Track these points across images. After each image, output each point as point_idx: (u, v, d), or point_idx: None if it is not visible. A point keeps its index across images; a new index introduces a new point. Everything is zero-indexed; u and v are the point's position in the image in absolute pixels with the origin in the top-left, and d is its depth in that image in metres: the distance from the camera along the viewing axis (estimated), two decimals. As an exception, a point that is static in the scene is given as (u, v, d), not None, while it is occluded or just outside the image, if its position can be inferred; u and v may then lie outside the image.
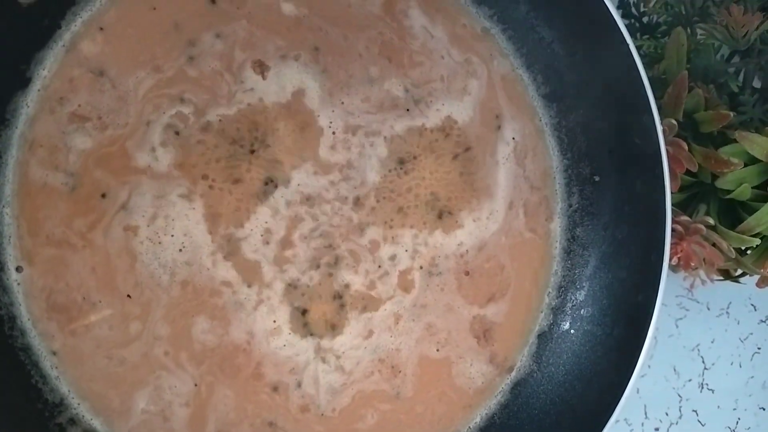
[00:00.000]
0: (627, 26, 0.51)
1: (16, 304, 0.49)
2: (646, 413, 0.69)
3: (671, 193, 0.50)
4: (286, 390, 0.52)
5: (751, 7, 0.57)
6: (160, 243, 0.50)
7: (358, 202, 0.53)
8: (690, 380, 0.70)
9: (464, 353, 0.55)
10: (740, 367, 0.71)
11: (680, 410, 0.70)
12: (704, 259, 0.55)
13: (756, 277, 0.59)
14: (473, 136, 0.55)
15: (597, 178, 0.56)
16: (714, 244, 0.55)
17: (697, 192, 0.59)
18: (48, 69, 0.49)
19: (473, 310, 0.55)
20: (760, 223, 0.55)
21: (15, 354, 0.48)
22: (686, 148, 0.54)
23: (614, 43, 0.50)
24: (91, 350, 0.49)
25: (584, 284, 0.56)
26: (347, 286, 0.53)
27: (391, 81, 0.53)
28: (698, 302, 0.70)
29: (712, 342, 0.70)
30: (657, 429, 0.69)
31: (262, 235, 0.51)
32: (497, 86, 0.55)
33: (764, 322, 0.71)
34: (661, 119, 0.51)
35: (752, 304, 0.71)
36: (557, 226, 0.57)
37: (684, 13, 0.61)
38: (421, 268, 0.54)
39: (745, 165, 0.54)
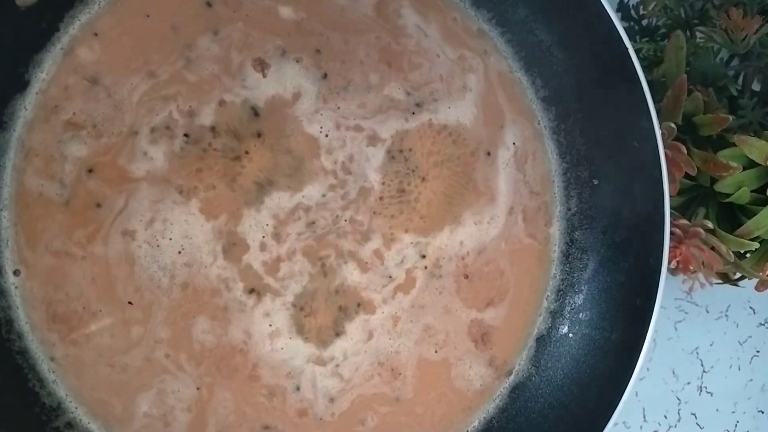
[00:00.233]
0: (626, 29, 0.51)
1: (13, 307, 0.48)
2: (644, 416, 0.69)
3: (670, 196, 0.50)
4: (284, 393, 0.52)
5: (751, 10, 0.58)
6: (158, 246, 0.50)
7: (357, 204, 0.53)
8: (689, 383, 0.70)
9: (463, 355, 0.55)
10: (739, 370, 0.71)
11: (679, 413, 0.70)
12: (703, 263, 0.55)
13: (755, 281, 0.59)
14: (477, 135, 0.55)
15: (596, 182, 0.56)
16: (713, 248, 0.55)
17: (696, 195, 0.59)
18: (46, 72, 0.49)
19: (471, 313, 0.55)
20: (759, 227, 0.55)
21: (12, 357, 0.48)
22: (685, 151, 0.54)
23: (613, 46, 0.50)
24: (92, 359, 0.49)
25: (583, 288, 0.56)
26: (346, 289, 0.53)
27: (390, 85, 0.53)
28: (697, 305, 0.70)
29: (711, 345, 0.70)
30: (656, 432, 0.69)
31: (261, 237, 0.51)
32: (494, 82, 0.55)
33: (763, 325, 0.71)
34: (660, 122, 0.51)
35: (751, 307, 0.71)
36: (556, 230, 0.57)
37: (683, 16, 0.61)
38: (425, 268, 0.54)
39: (744, 168, 0.55)
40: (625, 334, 0.53)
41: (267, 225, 0.51)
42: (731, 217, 0.58)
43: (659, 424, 0.69)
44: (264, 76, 0.51)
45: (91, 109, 0.49)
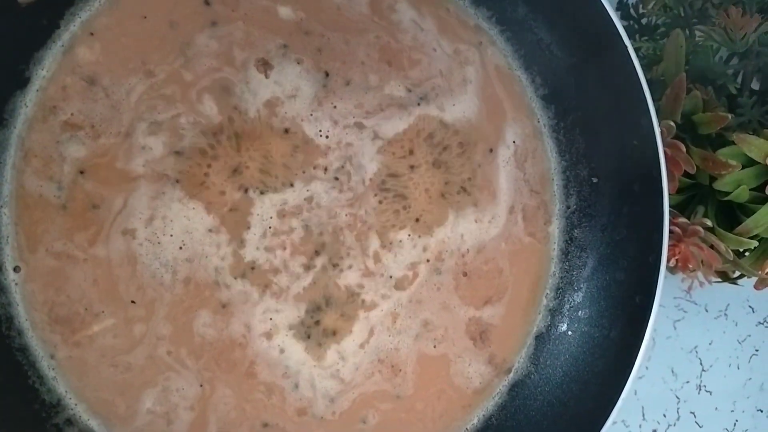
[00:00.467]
0: (626, 28, 0.51)
1: (13, 304, 0.48)
2: (643, 415, 0.69)
3: (669, 194, 0.50)
4: (282, 392, 0.52)
5: (750, 9, 0.58)
6: (159, 243, 0.50)
7: (358, 201, 0.53)
8: (688, 382, 0.70)
9: (462, 353, 0.55)
10: (738, 368, 0.71)
11: (678, 412, 0.70)
12: (702, 261, 0.55)
13: (754, 279, 0.59)
14: (478, 131, 0.55)
15: (595, 180, 0.56)
16: (712, 246, 0.55)
17: (695, 194, 0.59)
18: (47, 69, 0.49)
19: (469, 311, 0.55)
20: (758, 225, 0.55)
21: (12, 354, 0.48)
22: (684, 149, 0.54)
23: (613, 45, 0.50)
24: (95, 360, 0.49)
25: (582, 286, 0.56)
26: (346, 286, 0.53)
27: (390, 84, 0.53)
28: (696, 304, 0.70)
29: (710, 344, 0.70)
30: (655, 431, 0.69)
31: (260, 234, 0.51)
32: (491, 72, 0.55)
33: (762, 324, 0.71)
34: (660, 121, 0.51)
35: (750, 306, 0.71)
36: (555, 228, 0.57)
37: (683, 15, 0.61)
38: (428, 261, 0.54)
39: (743, 167, 0.55)
40: (625, 331, 0.53)
41: (267, 222, 0.51)
42: (730, 215, 0.58)
43: (658, 423, 0.69)
44: (267, 77, 0.51)
45: (89, 110, 0.49)
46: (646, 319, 0.50)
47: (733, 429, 0.71)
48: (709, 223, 0.55)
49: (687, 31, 0.61)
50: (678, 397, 0.70)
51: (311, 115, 0.52)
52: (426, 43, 0.54)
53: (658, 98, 0.56)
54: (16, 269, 0.48)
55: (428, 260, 0.54)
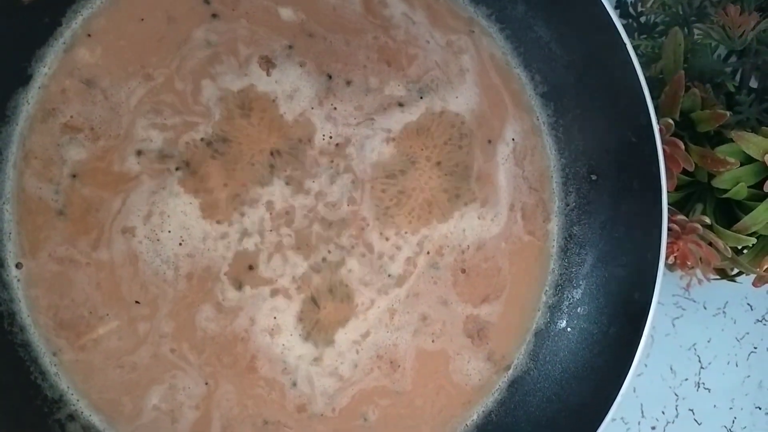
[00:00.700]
0: (624, 26, 0.52)
1: (15, 300, 0.49)
2: (642, 412, 0.69)
3: (668, 192, 0.51)
4: (282, 389, 0.52)
5: (748, 7, 0.58)
6: (158, 240, 0.50)
7: (359, 198, 0.53)
8: (686, 379, 0.70)
9: (461, 350, 0.55)
10: (736, 366, 0.71)
11: (677, 409, 0.70)
12: (701, 258, 0.55)
13: (752, 277, 0.60)
14: (478, 123, 0.55)
15: (594, 177, 0.56)
16: (710, 243, 0.55)
17: (694, 191, 0.59)
18: (48, 66, 0.49)
19: (467, 309, 0.55)
20: (756, 222, 0.55)
21: (14, 350, 0.48)
22: (683, 147, 0.55)
23: (612, 43, 0.50)
24: (101, 363, 0.50)
25: (581, 282, 0.57)
26: (346, 282, 0.53)
27: (390, 84, 0.54)
28: (695, 301, 0.70)
29: (709, 341, 0.70)
30: (653, 428, 0.70)
31: (259, 230, 0.51)
32: (485, 58, 0.55)
33: (761, 321, 0.72)
34: (658, 119, 0.51)
35: (749, 304, 0.71)
36: (554, 226, 0.57)
37: (681, 13, 0.62)
38: (428, 253, 0.54)
39: (742, 164, 0.55)
40: (624, 328, 0.53)
41: (265, 217, 0.51)
42: (729, 212, 0.59)
43: (657, 420, 0.70)
44: (268, 74, 0.51)
45: (89, 112, 0.50)
46: (645, 315, 0.50)
47: (732, 426, 0.71)
48: (707, 220, 0.55)
49: (685, 30, 0.61)
50: (677, 395, 0.70)
51: (311, 110, 0.52)
52: (419, 35, 0.54)
53: (657, 96, 0.57)
54: (18, 266, 0.49)
55: (428, 252, 0.54)
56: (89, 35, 0.50)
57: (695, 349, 0.70)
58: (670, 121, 0.55)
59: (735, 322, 0.71)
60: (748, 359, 0.71)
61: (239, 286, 0.51)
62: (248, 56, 0.51)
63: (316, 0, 0.53)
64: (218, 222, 0.51)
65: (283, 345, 0.52)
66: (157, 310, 0.50)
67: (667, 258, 0.53)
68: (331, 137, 0.52)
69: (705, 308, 0.71)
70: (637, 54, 0.50)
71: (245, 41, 0.51)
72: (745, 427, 0.71)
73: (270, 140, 0.52)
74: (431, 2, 0.55)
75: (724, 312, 0.71)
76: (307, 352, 0.52)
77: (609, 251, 0.56)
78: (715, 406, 0.70)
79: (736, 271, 0.61)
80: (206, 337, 0.51)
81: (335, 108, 0.53)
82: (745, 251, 0.59)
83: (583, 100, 0.55)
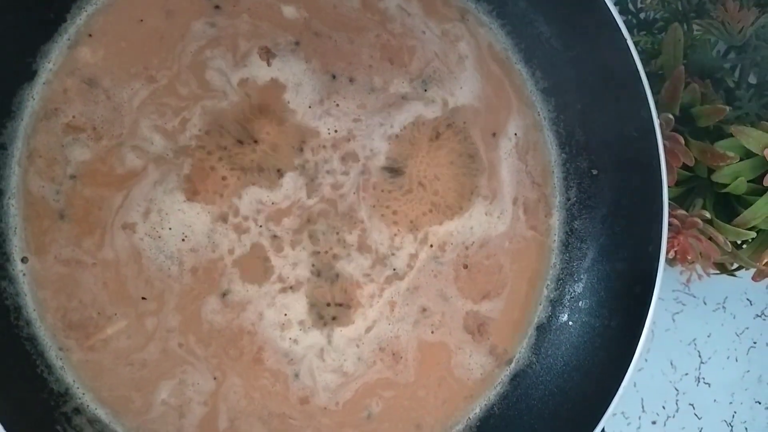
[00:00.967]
0: (624, 22, 0.52)
1: (21, 294, 0.49)
2: (643, 407, 0.70)
3: (668, 186, 0.51)
4: (286, 380, 0.52)
5: (747, 3, 0.58)
6: (160, 237, 0.50)
7: (362, 192, 0.53)
8: (687, 374, 0.70)
9: (462, 344, 0.55)
10: (736, 361, 0.71)
11: (677, 404, 0.70)
12: (701, 253, 0.56)
13: (752, 272, 0.60)
14: (481, 115, 0.55)
15: (595, 172, 0.56)
16: (710, 238, 0.56)
17: (694, 186, 0.60)
18: (53, 62, 0.49)
19: (467, 304, 0.55)
20: (756, 217, 0.56)
21: (21, 344, 0.48)
22: (683, 142, 0.55)
23: (612, 39, 0.50)
24: (111, 362, 0.50)
25: (582, 276, 0.57)
26: (346, 277, 0.53)
27: (393, 83, 0.54)
28: (695, 297, 0.71)
29: (709, 336, 0.71)
30: (654, 422, 0.70)
31: (259, 227, 0.51)
32: (481, 42, 0.56)
33: (760, 316, 0.72)
34: (658, 114, 0.51)
35: (748, 299, 0.72)
36: (556, 220, 0.57)
37: (681, 9, 0.62)
38: (431, 246, 0.54)
39: (741, 159, 0.55)
40: (625, 321, 0.53)
41: (267, 213, 0.52)
42: (728, 207, 0.59)
43: (657, 415, 0.70)
44: (269, 65, 0.52)
45: (91, 112, 0.50)
46: (646, 308, 0.50)
47: (732, 421, 0.71)
48: (707, 214, 0.56)
49: (685, 25, 0.61)
50: (677, 389, 0.70)
51: (315, 106, 0.52)
52: (414, 27, 0.54)
53: (657, 91, 0.57)
54: (24, 260, 0.49)
55: (432, 246, 0.54)
56: (90, 35, 0.50)
57: (695, 344, 0.71)
58: (670, 116, 0.55)
59: (735, 317, 0.71)
60: (747, 354, 0.71)
61: (242, 280, 0.51)
62: (248, 50, 0.52)
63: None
64: (220, 218, 0.51)
65: (290, 338, 0.52)
66: (164, 305, 0.50)
67: (667, 252, 0.53)
68: (335, 131, 0.53)
69: (705, 303, 0.71)
70: (637, 50, 0.50)
71: (246, 36, 0.52)
72: (744, 422, 0.71)
73: (272, 136, 0.52)
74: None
75: (723, 307, 0.71)
76: (310, 345, 0.53)
77: (610, 246, 0.56)
78: (715, 400, 0.71)
79: (735, 265, 0.61)
80: (212, 330, 0.51)
81: (337, 105, 0.53)
82: (744, 246, 0.59)
83: (583, 95, 0.56)
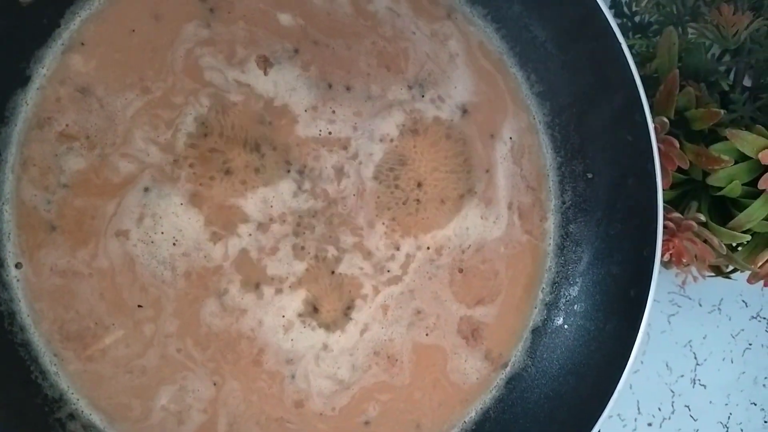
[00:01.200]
0: (619, 25, 0.52)
1: (15, 300, 0.49)
2: (639, 409, 0.70)
3: (663, 190, 0.51)
4: (282, 382, 0.52)
5: (741, 6, 0.58)
6: (152, 242, 0.50)
7: (359, 194, 0.53)
8: (682, 376, 0.70)
9: (457, 348, 0.55)
10: (732, 362, 0.71)
11: (673, 405, 0.70)
12: (696, 256, 0.56)
13: (747, 273, 0.60)
14: (480, 113, 0.55)
15: (590, 175, 0.56)
16: (705, 241, 0.56)
17: (689, 189, 0.60)
18: (47, 68, 0.49)
19: (461, 309, 0.55)
20: (751, 220, 0.56)
21: (14, 350, 0.48)
22: (678, 145, 0.55)
23: (607, 43, 0.50)
24: (110, 371, 0.50)
25: (577, 280, 0.57)
26: (343, 281, 0.53)
27: (392, 89, 0.54)
28: (690, 299, 0.71)
29: (704, 338, 0.71)
30: (650, 424, 0.70)
31: (255, 227, 0.51)
32: (470, 35, 0.56)
33: (755, 318, 0.72)
34: (653, 117, 0.51)
35: (743, 301, 0.72)
36: (551, 224, 0.58)
37: (675, 12, 0.62)
38: (428, 248, 0.54)
39: (736, 162, 0.55)
40: (620, 325, 0.53)
41: (263, 217, 0.52)
42: (723, 210, 0.59)
43: (653, 417, 0.70)
44: (265, 74, 0.52)
45: (84, 120, 0.50)
46: (641, 312, 0.50)
47: (728, 422, 0.71)
48: (702, 218, 0.56)
49: (680, 29, 0.61)
50: (673, 391, 0.70)
51: (306, 113, 0.52)
52: (405, 28, 0.54)
53: (652, 95, 0.57)
54: (17, 266, 0.49)
55: (428, 248, 0.54)
56: (83, 44, 0.50)
57: (691, 346, 0.71)
58: (665, 119, 0.55)
59: (730, 319, 0.71)
60: (743, 356, 0.71)
61: (238, 284, 0.51)
62: (246, 57, 0.51)
63: (310, 6, 0.53)
64: (213, 222, 0.51)
65: (291, 340, 0.52)
66: (161, 311, 0.50)
67: (662, 255, 0.53)
68: (329, 133, 0.53)
69: (700, 305, 0.71)
70: (631, 53, 0.50)
71: (244, 43, 0.52)
72: (740, 423, 0.71)
73: (268, 141, 0.52)
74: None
75: (719, 309, 0.71)
76: (306, 349, 0.52)
77: (605, 249, 0.56)
78: (710, 402, 0.71)
79: (730, 268, 0.61)
80: (210, 333, 0.51)
81: (334, 111, 0.53)
82: (739, 248, 0.60)
83: (578, 99, 0.56)
